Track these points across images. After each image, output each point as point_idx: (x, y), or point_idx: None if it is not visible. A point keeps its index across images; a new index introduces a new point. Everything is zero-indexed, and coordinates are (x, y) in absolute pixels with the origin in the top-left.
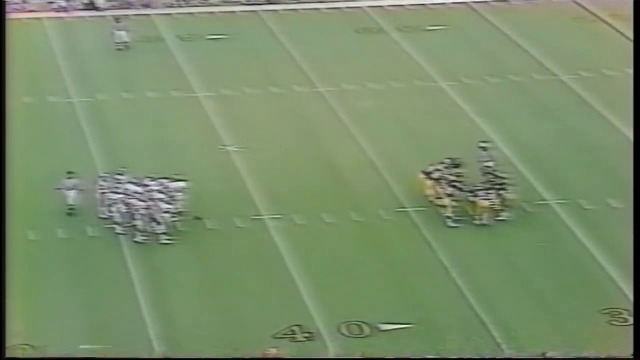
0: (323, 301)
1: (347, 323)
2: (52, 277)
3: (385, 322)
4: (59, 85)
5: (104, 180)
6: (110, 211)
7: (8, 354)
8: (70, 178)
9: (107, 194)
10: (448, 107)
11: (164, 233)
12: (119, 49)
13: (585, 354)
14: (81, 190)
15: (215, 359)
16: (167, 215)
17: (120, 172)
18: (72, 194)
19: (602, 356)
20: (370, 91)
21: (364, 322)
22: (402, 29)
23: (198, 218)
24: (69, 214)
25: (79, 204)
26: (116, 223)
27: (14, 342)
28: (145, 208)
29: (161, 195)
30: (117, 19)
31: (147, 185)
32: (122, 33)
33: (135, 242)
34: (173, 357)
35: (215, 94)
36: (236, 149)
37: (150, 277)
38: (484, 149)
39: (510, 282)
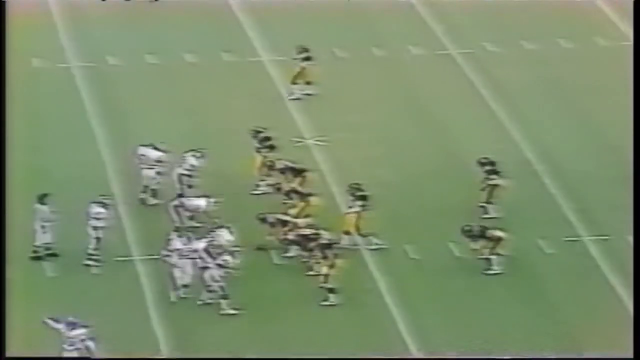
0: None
1: None
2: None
3: None
4: (51, 43)
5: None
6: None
7: None
8: (42, 203)
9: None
10: None
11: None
12: (151, 1)
13: (586, 354)
14: (53, 221)
15: (218, 359)
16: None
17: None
18: (41, 229)
19: (602, 356)
20: (524, 54)
21: None
22: None
23: (262, 249)
24: (34, 258)
25: (49, 242)
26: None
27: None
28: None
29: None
30: None
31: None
32: None
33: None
34: (175, 357)
35: (287, 58)
36: (319, 143)
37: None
38: None
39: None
